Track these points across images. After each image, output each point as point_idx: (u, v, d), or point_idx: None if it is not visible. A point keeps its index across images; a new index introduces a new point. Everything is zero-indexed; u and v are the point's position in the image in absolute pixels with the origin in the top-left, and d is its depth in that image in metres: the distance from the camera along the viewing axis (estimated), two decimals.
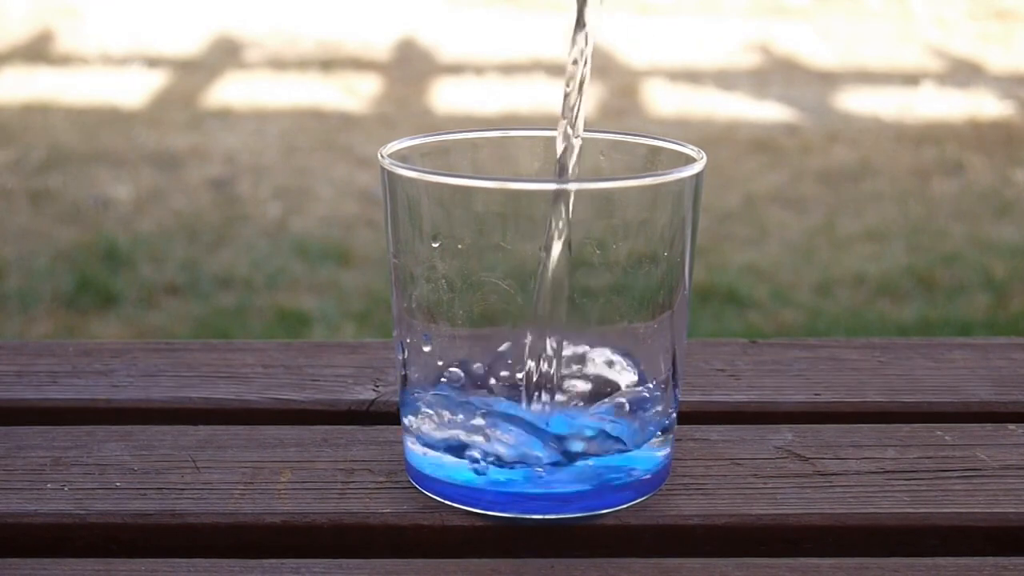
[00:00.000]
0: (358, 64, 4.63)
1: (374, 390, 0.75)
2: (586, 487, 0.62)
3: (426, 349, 0.62)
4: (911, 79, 4.49)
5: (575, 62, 0.62)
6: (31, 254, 2.75)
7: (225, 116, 3.95)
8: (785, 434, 0.70)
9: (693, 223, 0.63)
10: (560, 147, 0.63)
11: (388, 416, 0.72)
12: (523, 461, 0.60)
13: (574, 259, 0.61)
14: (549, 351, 0.61)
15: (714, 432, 0.70)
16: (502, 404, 0.61)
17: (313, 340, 2.00)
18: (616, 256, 0.61)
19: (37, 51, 4.78)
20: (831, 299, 2.61)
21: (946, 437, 0.70)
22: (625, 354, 0.62)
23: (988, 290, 2.64)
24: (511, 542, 0.62)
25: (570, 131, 0.63)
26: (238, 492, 0.64)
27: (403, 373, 0.64)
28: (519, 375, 0.61)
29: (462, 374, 0.61)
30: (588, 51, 0.62)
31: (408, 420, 0.64)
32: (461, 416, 0.61)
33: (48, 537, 0.62)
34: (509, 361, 0.61)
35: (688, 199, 0.62)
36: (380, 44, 4.93)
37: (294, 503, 0.63)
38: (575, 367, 0.62)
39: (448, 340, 0.62)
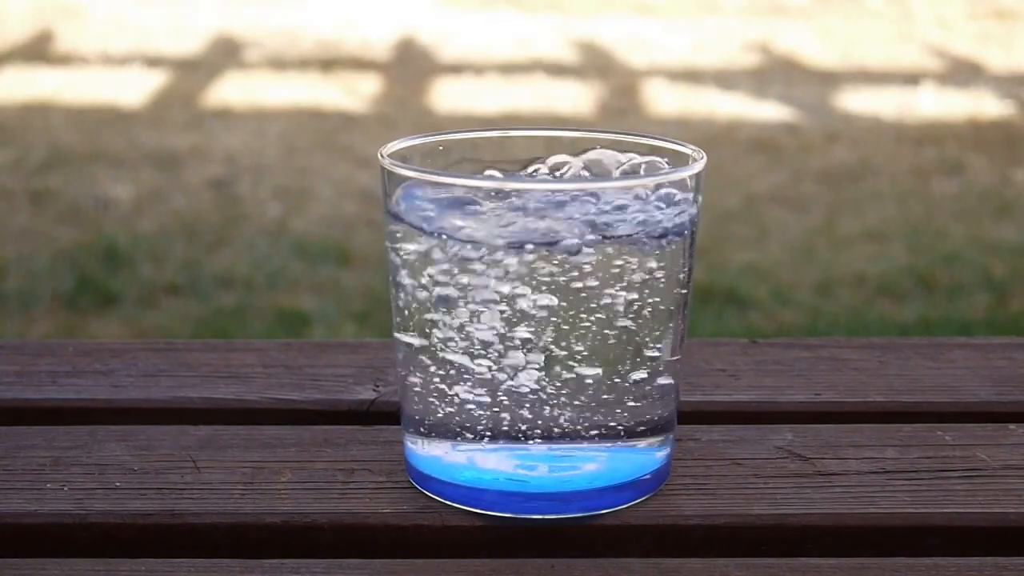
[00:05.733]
0: (358, 64, 4.63)
1: (374, 390, 0.75)
2: (586, 486, 0.62)
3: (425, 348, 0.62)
4: (911, 79, 4.49)
5: None
6: (31, 254, 2.75)
7: (225, 116, 3.95)
8: (785, 434, 0.70)
9: (693, 223, 0.63)
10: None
11: (388, 416, 0.72)
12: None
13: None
14: None
15: (714, 432, 0.70)
16: None
17: (313, 340, 2.00)
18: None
19: (37, 51, 4.78)
20: (831, 299, 2.61)
21: (946, 437, 0.70)
22: None
23: (988, 290, 2.64)
24: (511, 542, 0.62)
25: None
26: (238, 492, 0.64)
27: (403, 372, 0.64)
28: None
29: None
30: None
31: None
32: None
33: (48, 537, 0.62)
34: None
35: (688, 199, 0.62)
36: (380, 44, 4.93)
37: (294, 503, 0.63)
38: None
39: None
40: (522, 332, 0.60)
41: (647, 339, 0.61)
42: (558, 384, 0.60)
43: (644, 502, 0.63)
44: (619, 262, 0.60)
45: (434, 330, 0.61)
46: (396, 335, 0.64)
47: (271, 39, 4.95)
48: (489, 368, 0.60)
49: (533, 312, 0.60)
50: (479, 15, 5.44)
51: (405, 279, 0.62)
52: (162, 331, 2.41)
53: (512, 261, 0.59)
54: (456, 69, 4.57)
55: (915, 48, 5.03)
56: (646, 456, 0.63)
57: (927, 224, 3.05)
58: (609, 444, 0.62)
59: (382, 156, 0.63)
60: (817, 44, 5.06)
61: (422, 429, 0.63)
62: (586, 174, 0.66)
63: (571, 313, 0.60)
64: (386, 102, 4.17)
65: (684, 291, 0.63)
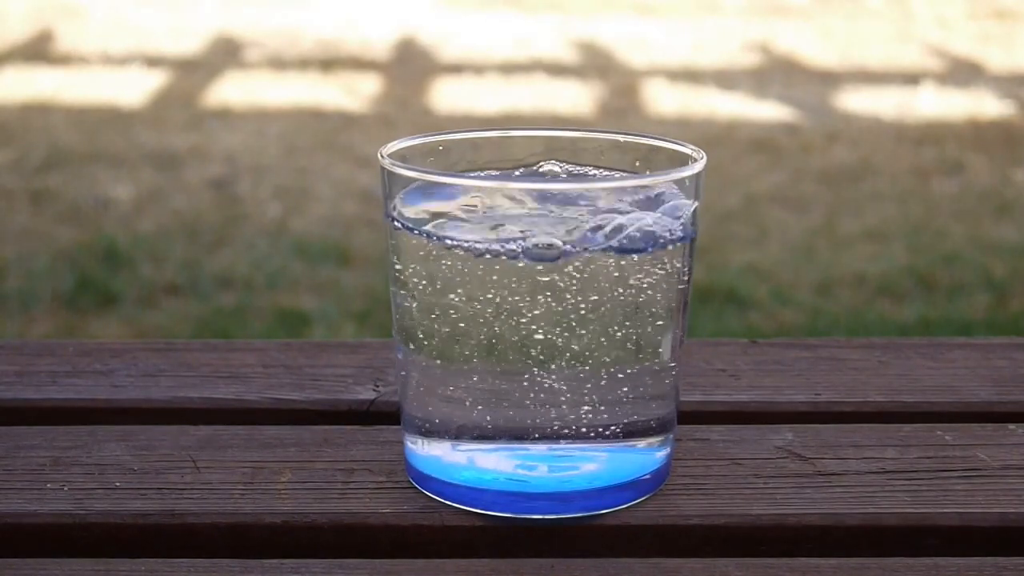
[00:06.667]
0: (358, 64, 4.63)
1: (374, 390, 0.75)
2: (586, 486, 0.62)
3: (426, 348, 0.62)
4: (911, 79, 4.49)
5: None
6: (31, 254, 2.75)
7: (225, 116, 3.95)
8: (785, 434, 0.70)
9: (693, 223, 0.63)
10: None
11: (388, 416, 0.72)
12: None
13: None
14: None
15: (714, 432, 0.70)
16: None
17: (313, 340, 2.00)
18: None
19: (37, 51, 4.78)
20: (831, 299, 2.61)
21: (946, 437, 0.70)
22: None
23: (988, 290, 2.64)
24: (511, 542, 0.62)
25: None
26: (238, 492, 0.64)
27: (403, 372, 0.64)
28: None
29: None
30: None
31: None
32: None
33: (48, 537, 0.62)
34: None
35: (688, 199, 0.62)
36: (380, 44, 4.93)
37: (294, 503, 0.63)
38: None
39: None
40: (522, 332, 0.60)
41: (647, 339, 0.61)
42: (558, 384, 0.60)
43: (644, 502, 0.63)
44: (619, 263, 0.60)
45: (434, 330, 0.61)
46: (396, 335, 0.64)
47: (271, 39, 4.95)
48: (489, 368, 0.60)
49: (533, 313, 0.60)
50: (479, 15, 5.44)
51: (405, 279, 0.62)
52: (162, 331, 2.41)
53: (512, 262, 0.59)
54: (456, 69, 4.57)
55: (915, 48, 5.03)
56: (646, 456, 0.63)
57: (927, 224, 3.05)
58: (609, 444, 0.62)
59: (382, 156, 0.63)
60: (817, 44, 5.06)
61: (422, 429, 0.63)
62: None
63: (571, 314, 0.60)
64: (386, 102, 4.17)
65: (684, 291, 0.63)
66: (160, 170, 3.39)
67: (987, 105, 4.17)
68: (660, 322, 0.62)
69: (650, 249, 0.60)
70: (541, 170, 0.66)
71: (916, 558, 0.60)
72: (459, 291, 0.60)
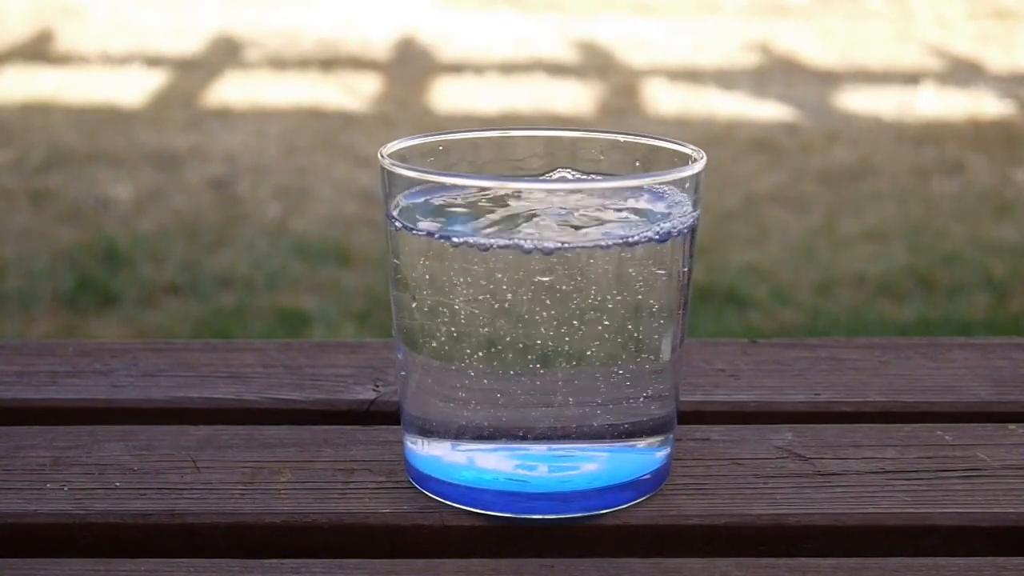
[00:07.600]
0: (358, 64, 4.63)
1: (374, 390, 0.75)
2: (586, 486, 0.62)
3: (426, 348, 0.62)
4: (911, 79, 4.49)
5: None
6: (31, 254, 2.75)
7: (225, 116, 3.95)
8: (785, 434, 0.70)
9: (693, 223, 0.63)
10: None
11: (388, 416, 0.72)
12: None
13: None
14: None
15: (714, 432, 0.70)
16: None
17: (313, 340, 2.00)
18: None
19: (37, 51, 4.78)
20: (831, 299, 2.61)
21: (946, 437, 0.70)
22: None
23: (988, 290, 2.64)
24: (511, 542, 0.62)
25: None
26: (238, 492, 0.64)
27: (403, 372, 0.64)
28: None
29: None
30: None
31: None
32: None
33: (48, 537, 0.62)
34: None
35: (688, 199, 0.62)
36: (380, 44, 4.93)
37: (294, 503, 0.63)
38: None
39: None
40: (522, 333, 0.60)
41: (647, 339, 0.61)
42: (558, 384, 0.60)
43: (644, 502, 0.63)
44: (619, 262, 0.60)
45: (434, 330, 0.61)
46: (396, 335, 0.64)
47: (271, 39, 4.95)
48: (489, 368, 0.60)
49: (533, 313, 0.60)
50: (479, 15, 5.44)
51: (405, 279, 0.62)
52: (162, 331, 2.41)
53: (512, 262, 0.59)
54: (456, 69, 4.57)
55: (915, 48, 5.03)
56: (646, 456, 0.63)
57: (927, 224, 3.05)
58: (609, 444, 0.62)
59: (382, 156, 0.63)
60: (817, 44, 5.06)
61: (422, 429, 0.63)
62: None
63: (571, 314, 0.60)
64: (386, 102, 4.17)
65: (684, 291, 0.63)
66: (160, 170, 3.39)
67: (987, 105, 4.17)
68: (660, 322, 0.62)
69: (647, 244, 0.60)
70: (554, 178, 0.66)
71: (916, 558, 0.60)
72: (459, 291, 0.60)
